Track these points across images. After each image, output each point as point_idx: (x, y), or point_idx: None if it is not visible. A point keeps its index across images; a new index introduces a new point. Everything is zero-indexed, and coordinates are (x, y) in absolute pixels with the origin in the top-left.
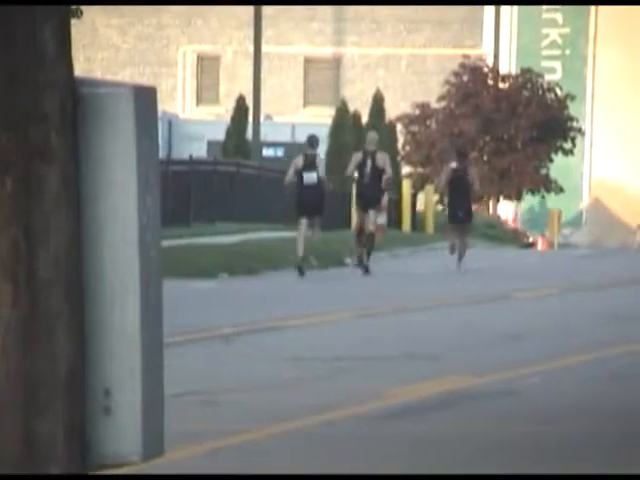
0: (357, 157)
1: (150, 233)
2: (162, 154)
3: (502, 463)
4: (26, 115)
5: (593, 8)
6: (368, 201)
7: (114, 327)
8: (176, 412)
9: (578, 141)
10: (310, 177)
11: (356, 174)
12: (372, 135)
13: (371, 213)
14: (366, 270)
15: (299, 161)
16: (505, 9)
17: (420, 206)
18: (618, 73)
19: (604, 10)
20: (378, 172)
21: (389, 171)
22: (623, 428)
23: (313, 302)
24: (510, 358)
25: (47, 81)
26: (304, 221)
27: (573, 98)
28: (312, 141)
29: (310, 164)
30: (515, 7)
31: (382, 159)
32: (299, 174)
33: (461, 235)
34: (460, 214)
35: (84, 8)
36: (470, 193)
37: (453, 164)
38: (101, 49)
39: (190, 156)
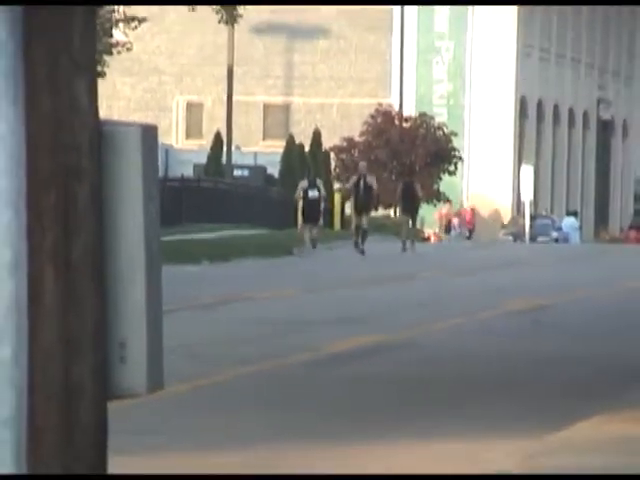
0: (353, 178)
1: (152, 231)
2: (160, 174)
3: (404, 397)
4: (65, 147)
5: (468, 70)
6: (362, 207)
7: (127, 299)
8: (169, 360)
9: (459, 165)
10: (313, 194)
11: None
12: (362, 164)
13: (364, 216)
14: (362, 252)
15: (304, 183)
16: (408, 69)
17: (347, 211)
18: (486, 117)
19: (476, 72)
20: (368, 188)
21: (375, 187)
22: (491, 370)
23: (270, 281)
24: (417, 319)
25: (80, 122)
26: (308, 224)
27: (455, 135)
28: (309, 177)
29: (312, 185)
30: (413, 69)
31: (370, 180)
32: (305, 192)
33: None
34: (409, 212)
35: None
36: (416, 198)
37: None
38: (118, 99)
39: (182, 175)
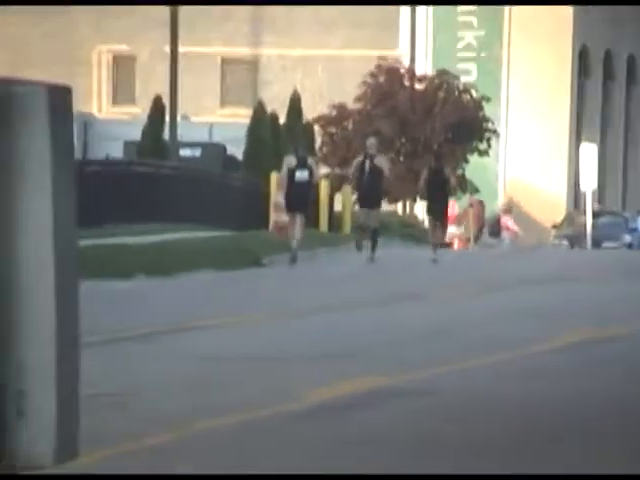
0: (358, 160)
1: (66, 233)
2: (77, 155)
3: (414, 461)
4: None
5: (507, 12)
6: (369, 200)
7: (28, 327)
8: (89, 413)
9: (493, 142)
10: (302, 175)
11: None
12: (372, 140)
13: (372, 211)
14: (372, 259)
15: (291, 160)
16: (421, 11)
17: (337, 207)
18: (532, 76)
19: (518, 13)
20: (378, 172)
21: (387, 173)
22: (527, 428)
23: (230, 302)
24: (425, 357)
25: None
26: (294, 215)
27: (488, 100)
28: (298, 154)
29: (301, 163)
30: (431, 9)
31: (380, 162)
32: (292, 172)
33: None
34: (439, 208)
35: None
36: (446, 190)
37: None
38: (12, 49)
39: (107, 156)
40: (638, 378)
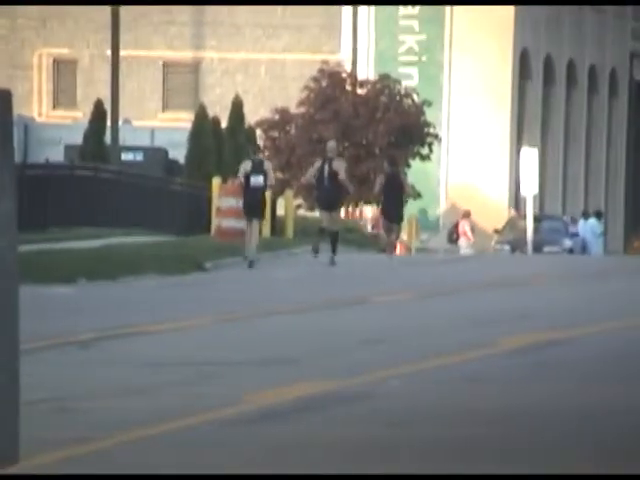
0: (317, 164)
1: (5, 238)
2: (17, 158)
3: (356, 466)
4: None
5: (448, 15)
6: (328, 203)
7: None
8: (31, 419)
9: (435, 147)
10: (256, 180)
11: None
12: (331, 144)
13: (333, 213)
14: (333, 262)
15: (247, 165)
16: (362, 15)
17: (280, 211)
18: (473, 80)
19: (459, 17)
20: (336, 177)
21: (343, 175)
22: (468, 430)
23: (173, 307)
24: (368, 362)
25: None
26: (250, 219)
27: (430, 104)
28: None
29: (257, 168)
30: (372, 13)
31: (338, 165)
32: (247, 177)
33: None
34: (394, 214)
35: None
36: (401, 195)
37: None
38: None
39: (46, 160)
40: (582, 379)
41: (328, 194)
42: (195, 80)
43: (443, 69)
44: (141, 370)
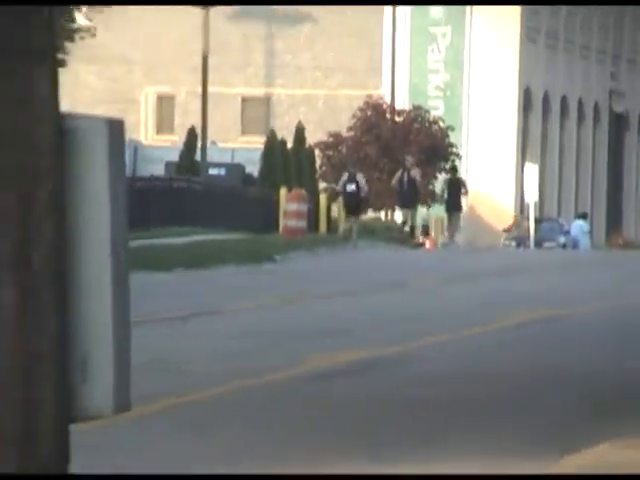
0: (398, 173)
1: (120, 236)
2: (128, 173)
3: (401, 421)
4: (24, 143)
5: (467, 60)
6: (408, 202)
7: (91, 311)
8: (140, 377)
9: (457, 163)
10: (351, 187)
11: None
12: (410, 158)
13: (411, 210)
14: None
15: (344, 177)
16: (400, 58)
17: (333, 214)
18: (486, 110)
19: (475, 62)
20: (413, 182)
21: (419, 181)
22: (491, 390)
23: (249, 290)
24: (409, 333)
25: (40, 116)
26: (348, 217)
27: (452, 129)
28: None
29: (351, 179)
30: (407, 57)
31: (414, 173)
32: (344, 185)
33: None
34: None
35: (68, 58)
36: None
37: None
38: (81, 90)
39: (151, 175)
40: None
41: (407, 197)
42: (267, 111)
43: (462, 102)
44: (227, 340)
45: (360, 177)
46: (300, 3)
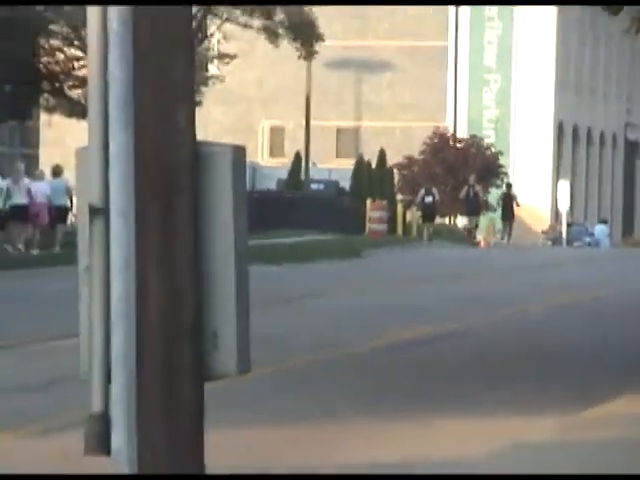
0: (464, 190)
1: (240, 236)
2: (248, 187)
3: (459, 378)
4: (167, 165)
5: (513, 99)
6: (473, 212)
7: (220, 294)
8: (256, 346)
9: (505, 180)
10: (428, 199)
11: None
12: (472, 177)
13: (476, 218)
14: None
15: (422, 191)
16: (462, 98)
17: (408, 219)
18: (528, 139)
19: (519, 102)
20: (476, 195)
21: (481, 195)
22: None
23: (342, 279)
24: (475, 312)
25: (180, 144)
26: (425, 223)
27: (502, 154)
28: (426, 187)
29: (428, 192)
30: (466, 96)
31: (478, 188)
32: (422, 198)
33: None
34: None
35: (203, 99)
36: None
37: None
38: (212, 124)
39: (266, 189)
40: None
41: (473, 207)
42: (356, 139)
43: (510, 132)
44: (325, 318)
45: (435, 191)
46: (319, 3)
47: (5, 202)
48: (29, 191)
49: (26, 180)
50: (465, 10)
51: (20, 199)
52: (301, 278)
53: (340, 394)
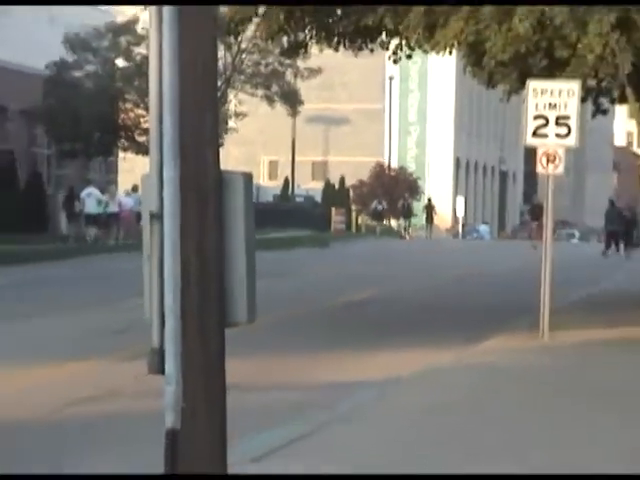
0: (401, 201)
1: (249, 233)
2: (254, 200)
3: (394, 322)
4: (202, 186)
5: (429, 144)
6: (405, 215)
7: (236, 270)
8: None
9: (422, 196)
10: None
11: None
12: (406, 194)
13: (406, 220)
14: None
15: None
16: (394, 142)
17: (359, 222)
18: (438, 169)
19: (431, 144)
20: (408, 206)
21: (411, 206)
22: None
23: (315, 262)
24: (400, 281)
25: (210, 172)
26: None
27: (420, 179)
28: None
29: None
30: (396, 142)
31: (409, 202)
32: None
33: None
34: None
35: (224, 142)
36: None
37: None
38: (229, 159)
39: (266, 201)
40: (490, 287)
41: (405, 212)
42: (325, 169)
43: (425, 165)
44: (303, 285)
45: (384, 202)
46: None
47: (105, 209)
48: (119, 203)
49: (117, 195)
50: (395, 83)
51: (113, 208)
52: (287, 260)
53: (312, 334)
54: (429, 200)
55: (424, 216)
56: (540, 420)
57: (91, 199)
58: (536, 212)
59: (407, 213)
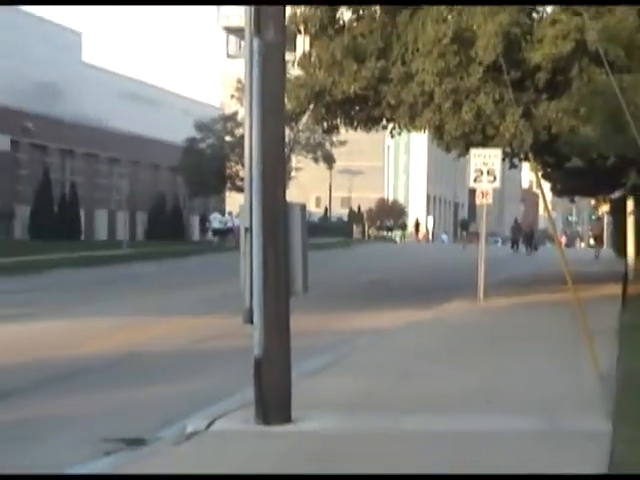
0: (391, 221)
1: (304, 241)
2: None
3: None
4: (275, 213)
5: (411, 187)
6: (399, 228)
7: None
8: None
9: (406, 217)
10: (389, 223)
11: None
12: (401, 218)
13: (401, 233)
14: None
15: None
16: (390, 186)
17: (371, 233)
18: (416, 201)
19: (413, 180)
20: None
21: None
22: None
23: (345, 256)
24: (398, 270)
25: (280, 205)
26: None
27: (406, 207)
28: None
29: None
30: (392, 186)
31: (404, 221)
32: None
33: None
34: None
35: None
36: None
37: None
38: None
39: (314, 220)
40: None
41: (400, 228)
42: (349, 201)
43: (409, 200)
44: (332, 273)
45: (392, 220)
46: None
47: (224, 226)
48: (232, 222)
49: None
50: (391, 149)
51: (229, 225)
52: (325, 256)
53: (342, 301)
54: (417, 219)
55: (413, 229)
56: (454, 350)
57: (215, 220)
58: (464, 225)
59: (403, 227)
